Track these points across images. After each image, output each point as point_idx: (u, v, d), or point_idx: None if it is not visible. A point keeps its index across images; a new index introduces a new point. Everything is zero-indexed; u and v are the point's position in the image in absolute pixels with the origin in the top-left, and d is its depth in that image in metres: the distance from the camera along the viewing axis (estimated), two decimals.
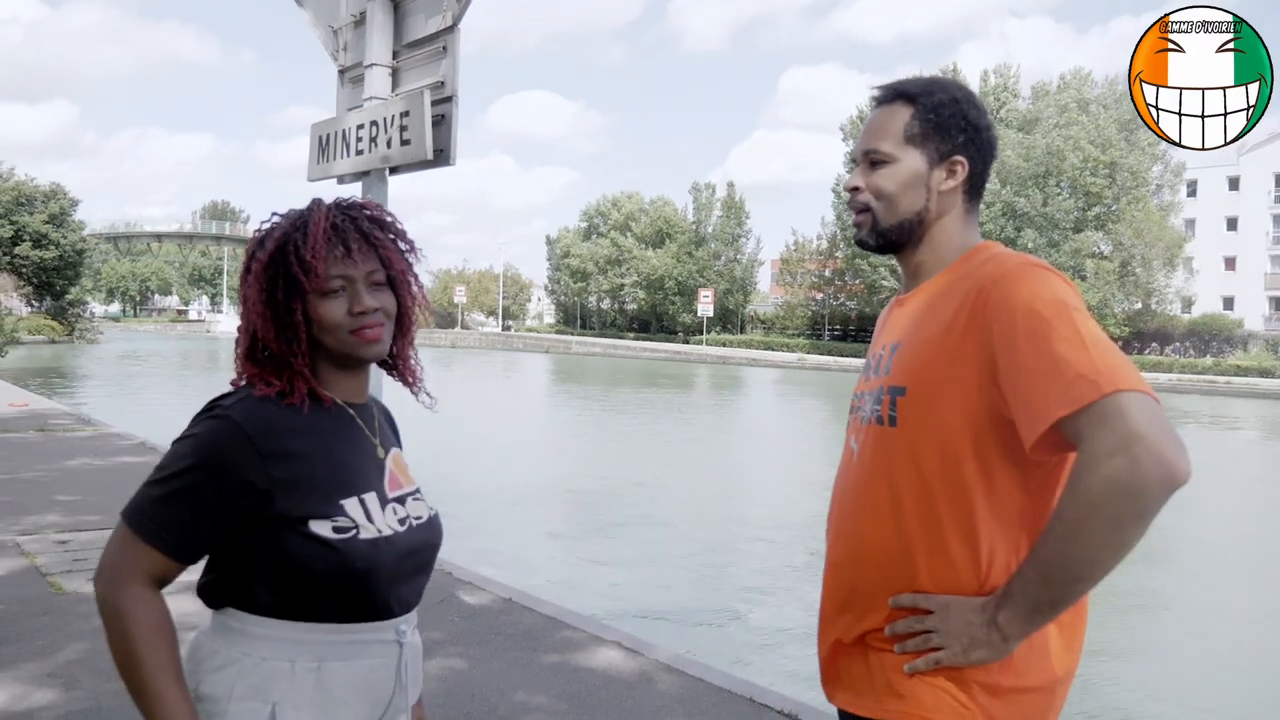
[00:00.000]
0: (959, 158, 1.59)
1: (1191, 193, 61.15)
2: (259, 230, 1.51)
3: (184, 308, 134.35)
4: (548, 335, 79.13)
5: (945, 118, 1.58)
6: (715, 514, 11.89)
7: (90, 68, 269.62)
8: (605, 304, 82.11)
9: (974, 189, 1.62)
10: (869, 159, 1.62)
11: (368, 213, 1.52)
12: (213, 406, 1.42)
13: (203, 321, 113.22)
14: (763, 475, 15.59)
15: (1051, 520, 1.35)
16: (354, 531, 1.39)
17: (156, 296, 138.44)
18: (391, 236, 1.53)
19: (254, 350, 1.47)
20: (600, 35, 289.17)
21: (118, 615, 1.33)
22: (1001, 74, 60.36)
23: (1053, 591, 1.34)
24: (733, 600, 7.88)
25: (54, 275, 61.66)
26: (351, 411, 1.52)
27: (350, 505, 1.41)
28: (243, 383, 1.48)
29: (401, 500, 1.51)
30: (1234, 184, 61.51)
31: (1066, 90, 56.52)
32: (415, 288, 1.56)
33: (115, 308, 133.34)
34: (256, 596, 1.38)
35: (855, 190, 1.63)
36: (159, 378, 34.87)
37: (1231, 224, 62.18)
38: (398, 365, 1.60)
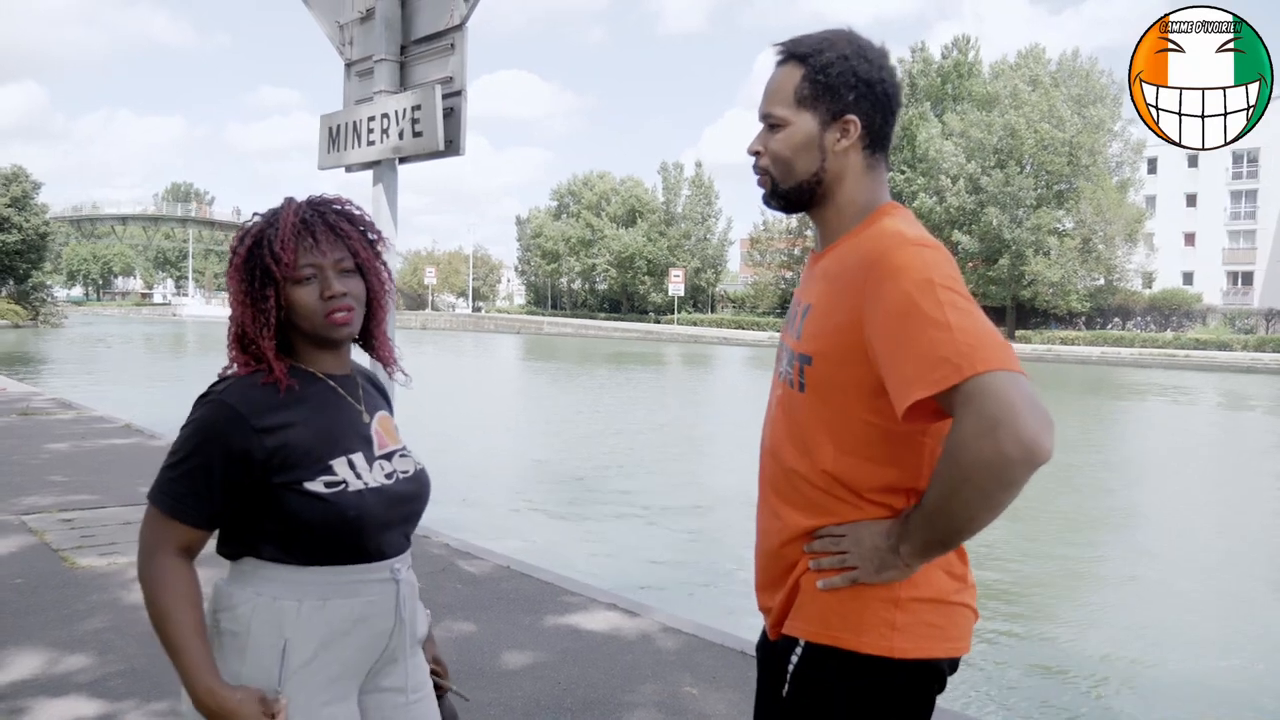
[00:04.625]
0: (851, 117, 1.59)
1: (1152, 169, 61.97)
2: (240, 229, 1.71)
3: (148, 291, 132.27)
4: (519, 316, 79.06)
5: (834, 77, 1.58)
6: (697, 483, 12.17)
7: (60, 49, 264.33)
8: (576, 284, 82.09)
9: (874, 143, 1.62)
10: (767, 122, 1.64)
11: (336, 207, 1.72)
12: (208, 393, 1.63)
13: (168, 305, 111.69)
14: (741, 445, 15.88)
15: (932, 480, 1.46)
16: (343, 485, 1.61)
17: (119, 279, 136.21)
18: (361, 229, 1.72)
19: (242, 337, 1.66)
20: (579, 15, 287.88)
21: (150, 583, 1.57)
22: (960, 48, 60.32)
23: (939, 535, 1.47)
24: (720, 565, 8.14)
25: (16, 259, 60.78)
26: (333, 383, 1.72)
27: (338, 464, 1.63)
28: (231, 369, 1.68)
29: (388, 457, 1.73)
30: (1193, 161, 62.30)
31: (1020, 69, 56.81)
32: (385, 274, 1.76)
33: (78, 291, 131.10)
34: (264, 548, 1.62)
35: (757, 154, 1.66)
36: (128, 361, 34.56)
37: (1191, 200, 63.16)
38: (374, 344, 1.81)
